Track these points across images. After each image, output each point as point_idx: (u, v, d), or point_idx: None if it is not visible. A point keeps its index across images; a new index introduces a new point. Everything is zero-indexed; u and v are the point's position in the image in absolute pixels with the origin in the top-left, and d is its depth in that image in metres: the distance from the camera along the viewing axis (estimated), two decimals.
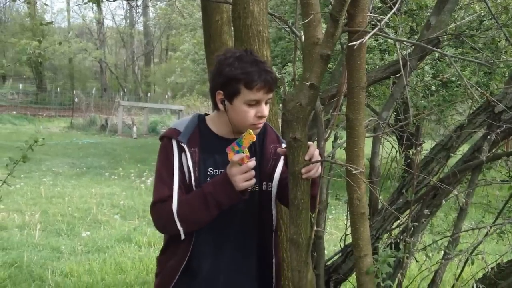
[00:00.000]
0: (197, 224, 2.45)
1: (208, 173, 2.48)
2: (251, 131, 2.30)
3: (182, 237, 2.45)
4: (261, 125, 2.46)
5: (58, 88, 40.11)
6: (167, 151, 2.48)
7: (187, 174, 2.46)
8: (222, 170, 2.46)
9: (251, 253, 2.62)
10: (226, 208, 2.42)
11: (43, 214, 8.81)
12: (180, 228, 2.41)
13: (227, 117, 2.46)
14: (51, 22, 3.73)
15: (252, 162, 2.33)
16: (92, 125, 28.50)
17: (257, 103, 2.38)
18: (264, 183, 2.58)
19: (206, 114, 2.64)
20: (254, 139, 2.30)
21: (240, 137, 2.30)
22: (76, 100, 32.84)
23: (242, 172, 2.31)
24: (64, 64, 47.19)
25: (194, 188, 2.45)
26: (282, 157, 2.54)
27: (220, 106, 2.44)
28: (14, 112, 31.46)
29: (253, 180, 2.35)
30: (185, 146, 2.45)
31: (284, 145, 2.58)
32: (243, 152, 2.30)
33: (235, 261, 2.57)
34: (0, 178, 3.74)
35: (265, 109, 2.42)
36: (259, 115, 2.40)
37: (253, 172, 2.33)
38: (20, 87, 37.12)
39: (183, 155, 2.46)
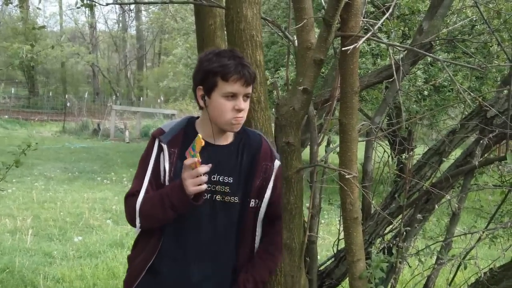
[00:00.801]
0: (155, 222, 2.49)
1: None
2: (200, 135, 2.26)
3: (136, 228, 2.53)
4: (239, 120, 2.44)
5: (50, 92, 40.00)
6: (148, 149, 2.53)
7: (162, 173, 2.49)
8: None
9: (221, 265, 2.58)
10: (184, 212, 2.40)
11: (35, 219, 8.76)
12: (138, 224, 2.48)
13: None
14: (43, 26, 3.71)
15: (204, 168, 2.28)
16: (85, 129, 28.41)
17: (234, 96, 2.38)
18: (252, 200, 2.56)
19: (198, 117, 2.64)
20: (203, 144, 2.25)
21: (193, 141, 2.28)
22: (68, 104, 32.79)
23: (192, 176, 2.27)
24: (56, 68, 47.06)
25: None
26: (273, 177, 2.58)
27: (201, 102, 2.45)
28: (6, 116, 31.33)
29: (204, 186, 2.29)
30: (164, 146, 2.48)
31: (277, 162, 2.59)
32: (196, 157, 2.27)
33: (201, 269, 2.53)
34: None
35: (242, 103, 2.40)
36: (237, 108, 2.39)
37: (203, 178, 2.28)
38: (12, 91, 36.99)
39: (161, 155, 2.49)
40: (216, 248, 2.54)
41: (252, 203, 2.55)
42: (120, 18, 53.26)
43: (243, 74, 2.35)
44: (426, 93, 10.50)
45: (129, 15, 50.59)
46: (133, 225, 2.56)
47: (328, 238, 8.15)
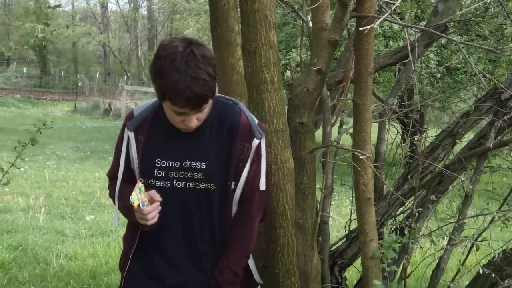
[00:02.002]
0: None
1: (156, 164, 2.35)
2: (140, 185, 2.26)
3: (116, 223, 2.53)
4: (191, 129, 2.29)
5: (62, 72, 40.02)
6: (121, 133, 2.45)
7: (132, 161, 2.41)
8: (171, 162, 2.34)
9: (199, 251, 2.46)
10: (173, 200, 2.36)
11: (47, 197, 8.82)
12: (117, 216, 2.50)
13: None
14: (59, 5, 3.71)
15: (148, 209, 2.23)
16: (96, 109, 28.47)
17: (184, 113, 2.19)
18: (233, 183, 2.38)
19: None
20: (135, 197, 2.22)
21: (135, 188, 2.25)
22: (79, 84, 32.82)
23: (139, 217, 2.28)
24: (67, 48, 47.10)
25: (137, 177, 2.39)
26: (250, 159, 2.35)
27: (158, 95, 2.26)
28: (18, 96, 31.43)
29: (148, 222, 2.26)
30: (131, 134, 2.38)
31: (256, 140, 2.35)
32: (135, 202, 2.22)
33: (179, 254, 2.46)
34: (5, 161, 3.74)
35: (193, 120, 2.22)
36: (186, 124, 2.23)
37: (146, 216, 2.24)
38: (24, 71, 37.10)
39: (129, 142, 2.40)
40: (194, 235, 2.42)
41: (233, 185, 2.38)
42: None
43: (192, 101, 2.11)
44: (438, 75, 10.44)
45: None
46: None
47: (338, 219, 8.16)
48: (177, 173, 2.33)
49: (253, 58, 2.79)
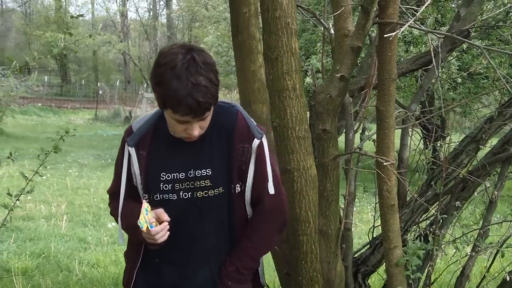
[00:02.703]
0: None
1: (161, 178, 2.30)
2: (147, 207, 2.20)
3: (120, 241, 2.46)
4: (193, 139, 2.23)
5: (83, 80, 40.35)
6: (120, 150, 2.41)
7: (134, 177, 2.35)
8: (176, 174, 2.29)
9: (212, 251, 2.42)
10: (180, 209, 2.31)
11: (69, 205, 8.88)
12: (121, 236, 2.44)
13: None
14: (82, 15, 3.73)
15: (155, 230, 2.19)
16: (116, 117, 28.67)
17: (186, 121, 2.14)
18: (237, 185, 2.33)
19: None
20: (143, 221, 2.18)
21: (141, 210, 2.19)
22: (100, 92, 33.07)
23: (147, 238, 2.23)
24: (88, 57, 47.49)
25: (140, 193, 2.35)
26: (253, 160, 2.30)
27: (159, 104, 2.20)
28: (40, 104, 31.73)
29: (156, 242, 2.21)
30: (131, 150, 2.32)
31: (256, 140, 2.29)
32: (143, 225, 2.17)
33: (189, 260, 2.42)
34: (27, 169, 3.76)
35: (195, 129, 2.16)
36: (188, 132, 2.18)
37: (154, 237, 2.19)
38: (45, 79, 37.43)
39: (130, 158, 2.33)
40: (209, 244, 2.38)
41: (238, 188, 2.32)
42: (151, 7, 53.49)
43: (193, 109, 2.05)
44: (459, 80, 10.38)
45: (159, 4, 50.77)
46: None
47: (360, 226, 8.11)
48: (183, 184, 2.28)
49: (275, 65, 2.80)
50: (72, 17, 3.58)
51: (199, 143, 2.28)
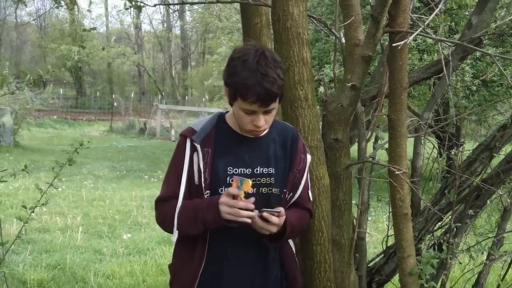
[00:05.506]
0: (188, 233, 2.42)
1: (228, 172, 2.41)
2: (249, 182, 2.26)
3: (174, 239, 2.45)
4: (259, 132, 2.39)
5: (98, 93, 40.68)
6: (180, 150, 2.46)
7: (196, 175, 2.41)
8: (242, 169, 2.41)
9: (267, 257, 2.52)
10: (215, 229, 2.35)
11: (84, 216, 8.91)
12: (176, 232, 2.42)
13: None
14: (94, 28, 3.76)
15: (244, 204, 2.23)
16: (131, 128, 28.80)
17: (253, 112, 2.29)
18: (287, 192, 2.49)
19: (228, 112, 2.58)
20: (250, 191, 2.27)
21: (243, 180, 2.25)
22: (115, 104, 33.23)
23: (228, 205, 2.24)
24: (103, 69, 47.85)
25: (203, 190, 2.40)
26: (306, 172, 2.51)
27: (229, 100, 2.38)
28: (55, 117, 31.96)
29: (239, 219, 2.24)
30: (197, 146, 2.40)
31: (309, 155, 2.54)
32: (240, 192, 2.23)
33: (256, 264, 2.49)
34: (43, 181, 3.79)
35: (261, 120, 2.31)
36: (255, 124, 2.32)
37: (239, 212, 2.22)
38: (61, 92, 37.71)
39: (195, 155, 2.41)
40: (258, 240, 2.44)
41: (287, 195, 2.49)
42: (165, 18, 53.80)
43: (260, 96, 2.21)
44: (474, 88, 10.34)
45: (173, 15, 51.03)
46: (163, 228, 2.54)
47: (375, 235, 8.08)
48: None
49: (287, 75, 2.81)
50: (84, 30, 3.62)
51: (264, 143, 2.47)
